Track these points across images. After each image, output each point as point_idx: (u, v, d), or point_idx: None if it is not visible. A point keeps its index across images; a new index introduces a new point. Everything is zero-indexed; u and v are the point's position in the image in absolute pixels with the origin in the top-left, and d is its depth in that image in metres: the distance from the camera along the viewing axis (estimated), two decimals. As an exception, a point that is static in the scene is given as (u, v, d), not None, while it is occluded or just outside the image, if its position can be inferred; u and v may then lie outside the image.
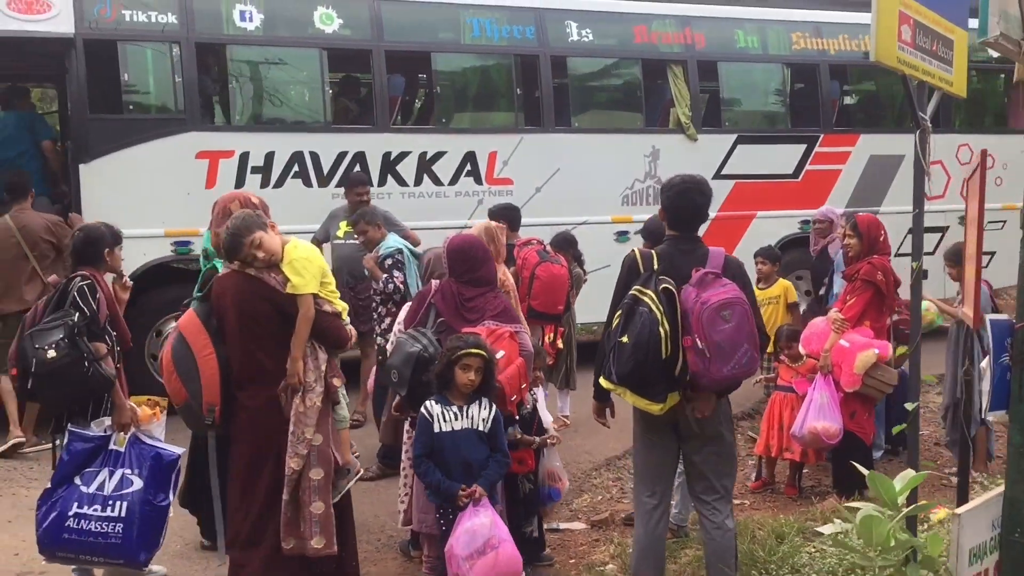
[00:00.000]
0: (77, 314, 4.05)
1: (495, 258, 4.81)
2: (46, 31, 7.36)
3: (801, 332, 6.20)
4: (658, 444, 4.00)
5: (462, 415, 3.96)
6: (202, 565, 4.87)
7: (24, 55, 7.90)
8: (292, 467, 3.61)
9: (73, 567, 4.34)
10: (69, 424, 4.13)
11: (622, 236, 9.13)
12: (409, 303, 4.85)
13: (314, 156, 8.18)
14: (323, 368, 3.72)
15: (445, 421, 3.93)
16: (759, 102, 10.45)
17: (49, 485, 4.19)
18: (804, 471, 6.20)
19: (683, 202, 3.97)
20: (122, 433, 4.14)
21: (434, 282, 4.47)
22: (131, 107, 7.96)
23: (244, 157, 7.97)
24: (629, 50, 9.50)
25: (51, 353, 3.99)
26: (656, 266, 3.80)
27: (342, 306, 3.98)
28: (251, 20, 8.06)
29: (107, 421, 4.21)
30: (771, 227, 9.76)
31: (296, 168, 8.14)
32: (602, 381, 3.87)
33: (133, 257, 7.63)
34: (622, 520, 5.43)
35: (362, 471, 4.34)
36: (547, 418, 4.82)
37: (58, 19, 7.41)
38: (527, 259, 6.37)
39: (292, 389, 3.64)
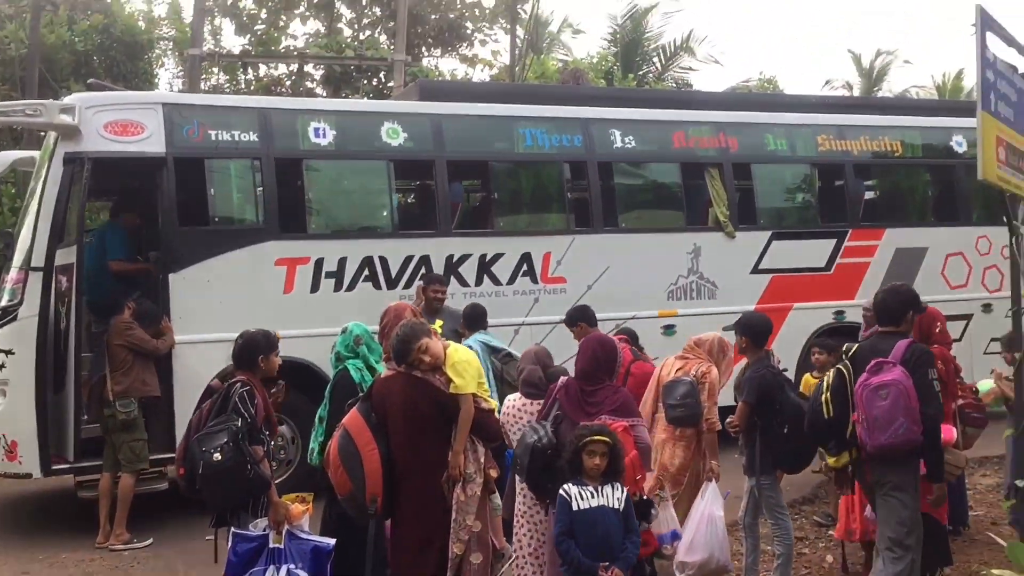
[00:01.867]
0: (239, 419, 4.46)
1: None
2: (139, 151, 7.95)
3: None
4: None
5: (598, 494, 4.30)
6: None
7: (120, 174, 8.43)
8: (455, 551, 3.98)
9: None
10: (233, 527, 4.47)
11: (669, 330, 9.59)
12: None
13: (383, 260, 8.70)
14: (482, 460, 4.12)
15: (583, 499, 4.27)
16: (791, 200, 11.04)
17: None
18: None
19: (877, 305, 5.14)
20: (278, 531, 4.50)
21: (562, 378, 4.92)
22: (216, 219, 8.49)
23: (319, 263, 8.49)
24: (669, 154, 10.13)
25: (217, 456, 4.38)
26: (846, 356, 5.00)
27: (494, 404, 4.40)
28: (324, 136, 8.66)
29: (261, 522, 4.58)
30: (807, 318, 10.22)
31: (367, 272, 8.65)
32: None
33: (217, 360, 8.09)
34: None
35: (515, 555, 4.69)
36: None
37: (150, 140, 8.01)
38: (624, 358, 6.71)
39: (453, 480, 4.04)
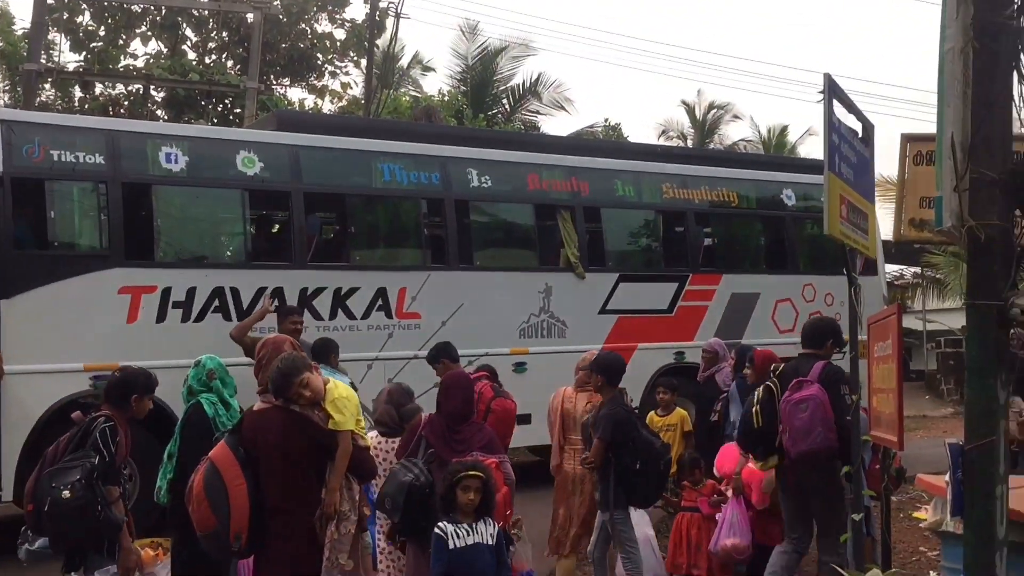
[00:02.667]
0: (97, 456, 4.25)
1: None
2: (-27, 168, 7.48)
3: (699, 460, 6.92)
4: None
5: (472, 531, 4.31)
6: None
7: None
8: None
9: None
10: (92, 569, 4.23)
11: (520, 367, 9.77)
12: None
13: (234, 291, 8.48)
14: (356, 498, 4.08)
15: (459, 538, 4.27)
16: (637, 244, 11.52)
17: None
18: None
19: (805, 329, 5.99)
20: None
21: (423, 415, 4.94)
22: (56, 244, 8.05)
23: (166, 292, 8.18)
24: (523, 195, 10.37)
25: (66, 493, 4.15)
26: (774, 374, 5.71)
27: (370, 442, 4.37)
28: (176, 162, 8.40)
29: (112, 568, 4.35)
30: (650, 358, 10.63)
31: (217, 303, 8.40)
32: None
33: (51, 392, 7.67)
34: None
35: None
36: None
37: (-15, 157, 7.55)
38: (482, 393, 6.68)
39: (328, 517, 3.97)
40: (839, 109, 4.37)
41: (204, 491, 3.98)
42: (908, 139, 5.50)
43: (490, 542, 4.35)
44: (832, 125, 4.20)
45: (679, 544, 6.64)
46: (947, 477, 3.57)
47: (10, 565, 7.24)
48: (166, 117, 19.34)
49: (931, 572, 6.60)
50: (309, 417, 4.04)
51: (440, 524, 4.31)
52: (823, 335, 5.87)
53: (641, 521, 5.90)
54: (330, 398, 4.11)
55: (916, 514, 8.17)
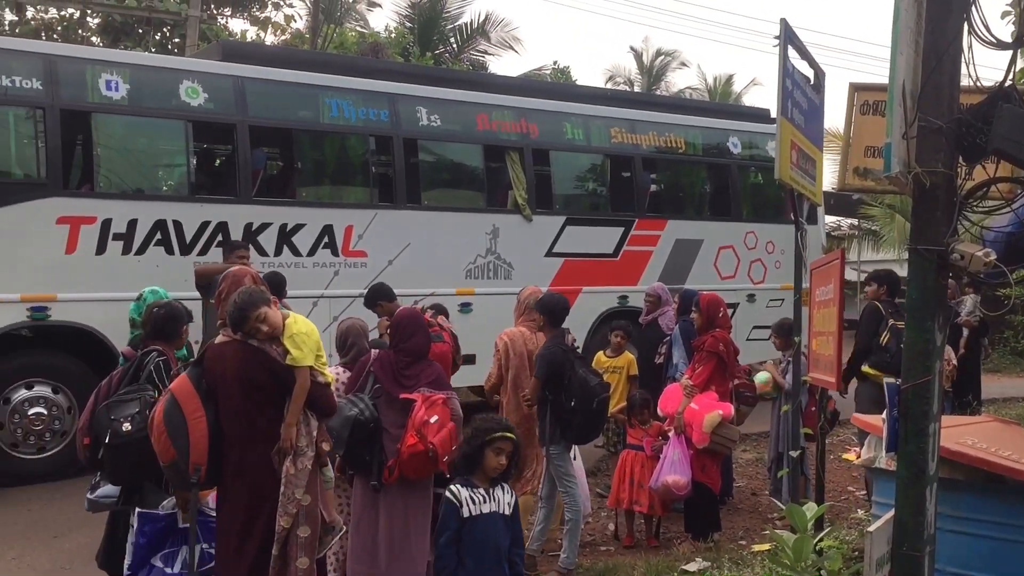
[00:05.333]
0: (154, 390, 4.19)
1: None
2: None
3: (649, 400, 7.06)
4: None
5: (489, 498, 3.86)
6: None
7: None
8: (282, 525, 3.92)
9: None
10: (138, 508, 4.22)
11: (465, 308, 9.81)
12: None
13: (177, 225, 8.34)
14: (314, 434, 4.07)
15: (474, 504, 3.81)
16: (584, 188, 11.57)
17: (127, 571, 4.26)
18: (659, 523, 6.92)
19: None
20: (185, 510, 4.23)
21: (373, 351, 4.94)
22: (-9, 170, 7.82)
23: (107, 224, 8.02)
24: (473, 136, 10.31)
25: (126, 426, 4.11)
26: None
27: (331, 377, 4.35)
28: (117, 89, 8.16)
29: (168, 501, 4.30)
30: (594, 301, 10.77)
31: (159, 235, 8.26)
32: None
33: (-15, 321, 7.50)
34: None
35: (344, 528, 4.65)
36: None
37: (-85, 78, 7.27)
38: None
39: (284, 452, 3.97)
40: (793, 56, 4.41)
41: (164, 422, 3.93)
42: (856, 88, 5.56)
43: (507, 511, 3.90)
44: (786, 71, 4.25)
45: (622, 480, 6.78)
46: (883, 415, 3.71)
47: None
48: (102, 44, 18.68)
49: (859, 511, 6.87)
50: (267, 351, 4.00)
51: (453, 487, 3.86)
52: None
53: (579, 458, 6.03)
54: (288, 333, 4.07)
55: (845, 456, 8.47)
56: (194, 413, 3.94)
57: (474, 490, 3.84)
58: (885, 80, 3.39)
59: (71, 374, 7.91)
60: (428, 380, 4.83)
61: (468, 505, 3.79)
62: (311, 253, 9.04)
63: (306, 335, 4.10)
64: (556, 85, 19.55)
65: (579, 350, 6.68)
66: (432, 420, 4.64)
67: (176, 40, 18.92)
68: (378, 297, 7.13)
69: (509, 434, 3.89)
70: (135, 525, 4.24)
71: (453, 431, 4.71)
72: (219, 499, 4.09)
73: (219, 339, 4.15)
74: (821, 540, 3.50)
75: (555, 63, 25.62)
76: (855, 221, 22.85)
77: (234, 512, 4.00)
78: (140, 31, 18.79)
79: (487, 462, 3.86)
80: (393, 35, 22.75)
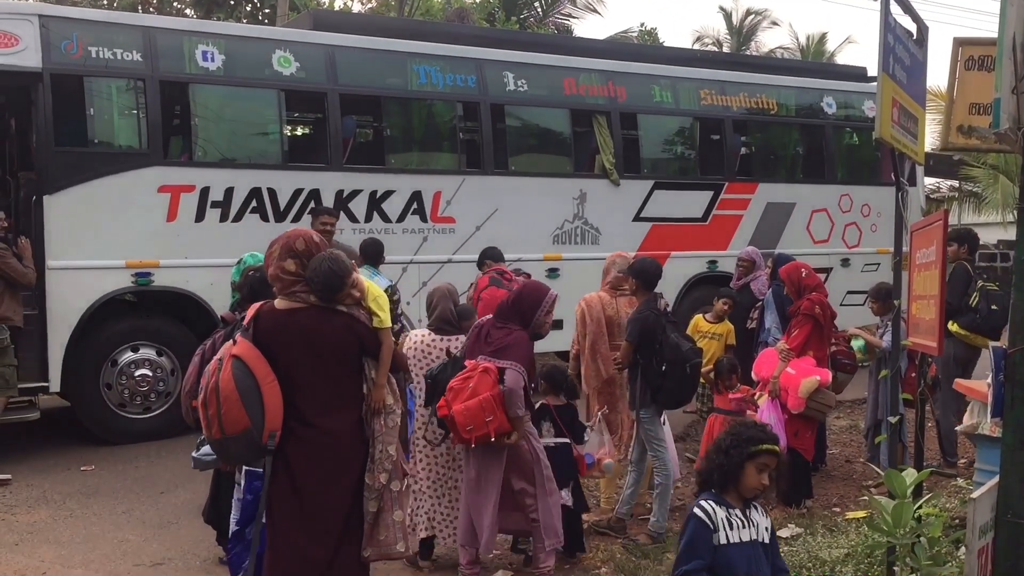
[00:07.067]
0: None
1: None
2: (12, 64, 7.49)
3: (737, 366, 6.98)
4: None
5: (747, 523, 3.21)
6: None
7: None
8: (381, 481, 3.96)
9: None
10: (244, 467, 4.22)
11: (552, 273, 9.81)
12: None
13: (271, 192, 8.54)
14: (396, 392, 4.13)
15: (731, 529, 3.16)
16: (673, 151, 11.40)
17: (234, 526, 4.37)
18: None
19: None
20: None
21: (486, 318, 5.03)
22: (96, 141, 8.10)
23: (205, 192, 8.26)
24: (560, 100, 10.24)
25: None
26: None
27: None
28: (213, 60, 8.36)
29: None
30: (683, 266, 10.65)
31: (254, 203, 8.47)
32: None
33: (93, 287, 7.82)
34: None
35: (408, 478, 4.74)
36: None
37: (25, 53, 7.56)
38: (479, 283, 7.00)
39: (375, 412, 4.01)
40: (895, 10, 4.25)
41: (236, 389, 3.70)
42: (960, 43, 5.33)
43: (765, 539, 3.26)
44: (888, 25, 4.10)
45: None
46: (988, 380, 3.59)
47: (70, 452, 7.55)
48: (195, 16, 19.15)
49: (958, 478, 6.69)
50: (357, 316, 4.01)
51: (705, 504, 3.21)
52: None
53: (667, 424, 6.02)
54: (371, 296, 4.09)
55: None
56: (266, 377, 3.76)
57: (731, 511, 3.19)
58: (991, 34, 3.24)
59: (173, 338, 8.21)
60: (493, 348, 4.83)
61: (725, 529, 3.15)
62: (400, 219, 9.15)
63: (382, 297, 4.14)
64: (643, 47, 19.27)
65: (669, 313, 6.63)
66: (468, 387, 4.68)
67: (267, 10, 19.28)
68: (486, 257, 7.39)
69: (776, 447, 3.28)
70: (242, 483, 4.33)
71: (486, 401, 4.66)
72: (285, 466, 3.92)
73: (280, 304, 3.91)
74: (920, 507, 3.42)
75: (642, 25, 25.34)
76: (955, 183, 22.02)
77: (313, 476, 3.92)
78: (232, 2, 19.19)
79: (746, 479, 3.20)
80: (478, 1, 22.71)
